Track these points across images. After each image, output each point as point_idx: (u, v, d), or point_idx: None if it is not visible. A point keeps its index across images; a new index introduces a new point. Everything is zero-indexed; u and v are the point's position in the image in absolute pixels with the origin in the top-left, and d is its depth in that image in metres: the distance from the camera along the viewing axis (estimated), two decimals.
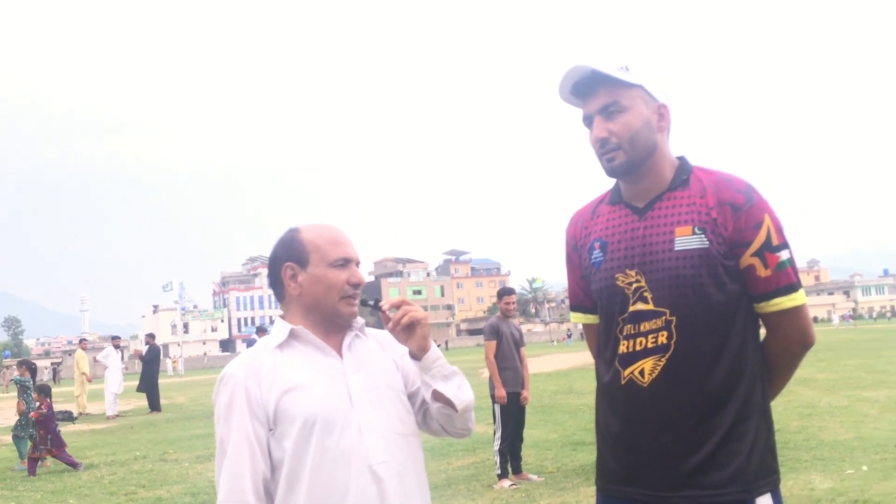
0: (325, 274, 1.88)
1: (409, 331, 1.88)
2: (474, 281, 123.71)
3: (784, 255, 1.92)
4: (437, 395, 1.90)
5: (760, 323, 2.02)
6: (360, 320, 1.96)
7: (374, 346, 1.97)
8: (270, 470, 1.78)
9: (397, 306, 1.90)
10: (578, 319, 2.25)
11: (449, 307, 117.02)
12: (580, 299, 2.20)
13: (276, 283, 1.95)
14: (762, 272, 1.91)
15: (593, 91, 1.98)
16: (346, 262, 1.90)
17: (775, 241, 1.92)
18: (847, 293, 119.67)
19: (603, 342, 2.08)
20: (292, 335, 1.87)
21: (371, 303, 1.98)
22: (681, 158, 2.06)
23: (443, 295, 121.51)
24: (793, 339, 1.98)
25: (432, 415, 1.95)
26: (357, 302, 1.93)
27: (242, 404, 1.78)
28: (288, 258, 1.91)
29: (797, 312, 1.95)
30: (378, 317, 2.02)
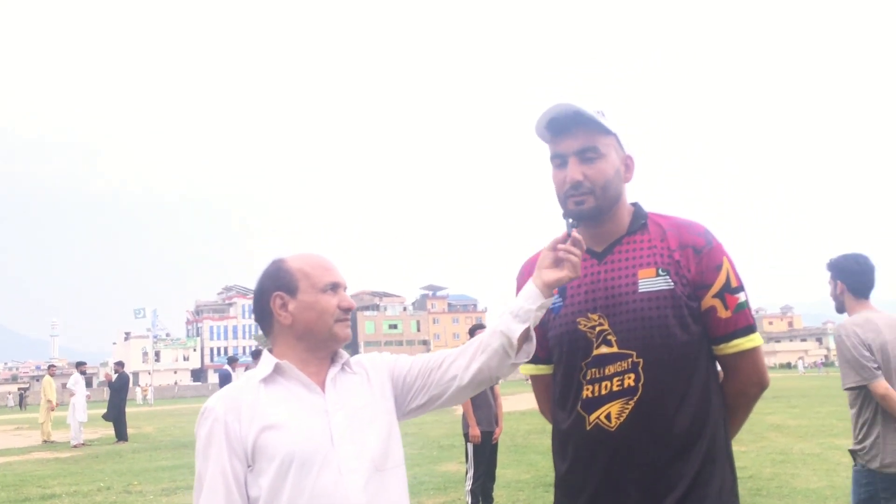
0: (317, 300, 1.88)
1: (558, 264, 1.89)
2: (451, 316, 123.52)
3: (742, 296, 1.98)
4: (524, 333, 1.90)
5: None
6: (344, 354, 1.95)
7: (359, 380, 1.94)
8: None
9: (577, 244, 1.89)
10: (529, 371, 2.20)
11: (425, 342, 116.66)
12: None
13: (263, 315, 1.94)
14: (723, 313, 1.96)
15: (570, 130, 1.98)
16: (335, 287, 1.91)
17: (734, 283, 1.97)
18: (819, 340, 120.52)
19: (563, 390, 2.05)
20: (277, 370, 1.85)
21: (571, 221, 1.94)
22: (635, 204, 2.10)
23: (419, 330, 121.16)
24: (750, 381, 2.02)
25: (483, 362, 1.91)
26: (349, 324, 1.92)
27: (221, 439, 1.76)
28: (276, 288, 1.90)
29: (754, 354, 2.00)
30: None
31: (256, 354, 15.89)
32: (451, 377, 1.94)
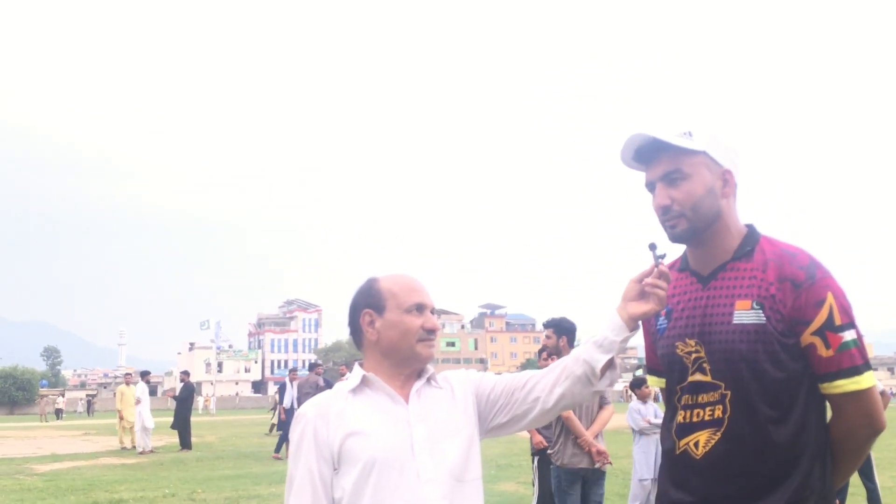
0: (401, 319, 1.94)
1: (644, 297, 1.86)
2: (508, 336, 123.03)
3: (848, 335, 1.84)
4: (608, 362, 1.89)
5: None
6: (430, 369, 2.00)
7: (443, 394, 1.99)
8: None
9: (663, 276, 1.86)
10: (654, 383, 2.22)
11: (482, 361, 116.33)
12: (653, 362, 2.19)
13: (355, 330, 2.02)
14: (823, 352, 1.85)
15: (655, 157, 1.97)
16: (420, 308, 1.96)
17: (838, 321, 1.84)
18: (892, 370, 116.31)
19: (667, 410, 2.10)
20: (364, 381, 1.93)
21: (657, 252, 1.89)
22: (749, 227, 2.02)
23: (476, 348, 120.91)
24: (858, 423, 1.89)
25: (566, 388, 1.91)
26: (433, 344, 1.97)
27: (310, 443, 1.86)
28: (366, 305, 1.99)
29: (862, 396, 1.86)
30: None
31: (293, 371, 16.64)
32: (534, 398, 1.96)
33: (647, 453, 7.97)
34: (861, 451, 1.96)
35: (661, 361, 2.07)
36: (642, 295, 1.87)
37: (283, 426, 16.38)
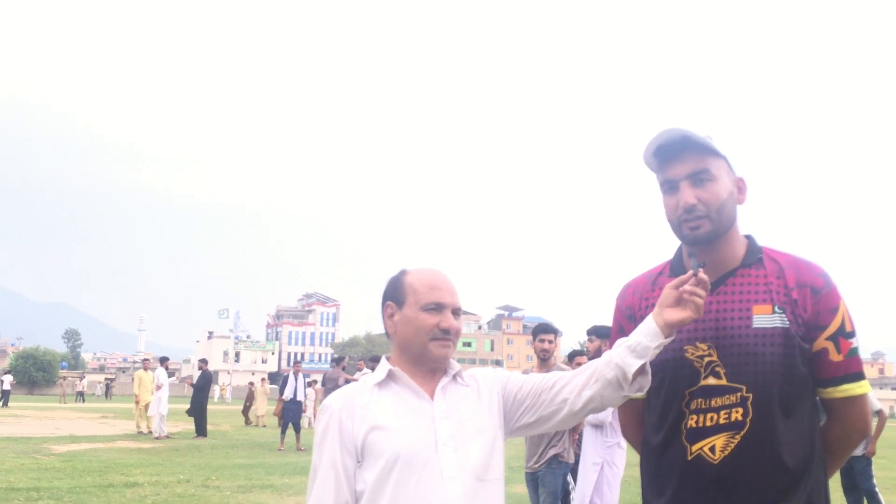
0: (416, 316, 1.94)
1: (681, 304, 1.86)
2: (525, 338, 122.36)
3: (855, 342, 1.96)
4: (640, 367, 1.89)
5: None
6: (455, 365, 2.00)
7: (469, 392, 1.98)
8: (354, 500, 1.86)
9: (702, 284, 1.85)
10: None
11: (498, 362, 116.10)
12: None
13: (383, 321, 2.04)
14: (834, 357, 1.93)
15: (680, 156, 1.97)
16: (438, 307, 1.95)
17: (848, 328, 1.95)
18: None
19: (659, 416, 2.04)
20: (390, 375, 1.94)
21: (698, 261, 1.88)
22: (749, 237, 2.07)
23: (493, 350, 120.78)
24: (855, 427, 1.99)
25: (595, 391, 1.91)
26: (448, 344, 1.95)
27: (335, 434, 1.87)
28: (390, 298, 2.01)
29: (862, 400, 1.97)
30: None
31: (338, 361, 16.38)
32: (561, 400, 1.95)
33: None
34: (848, 453, 2.08)
35: (664, 366, 2.00)
36: (679, 302, 1.86)
37: (285, 417, 16.49)
